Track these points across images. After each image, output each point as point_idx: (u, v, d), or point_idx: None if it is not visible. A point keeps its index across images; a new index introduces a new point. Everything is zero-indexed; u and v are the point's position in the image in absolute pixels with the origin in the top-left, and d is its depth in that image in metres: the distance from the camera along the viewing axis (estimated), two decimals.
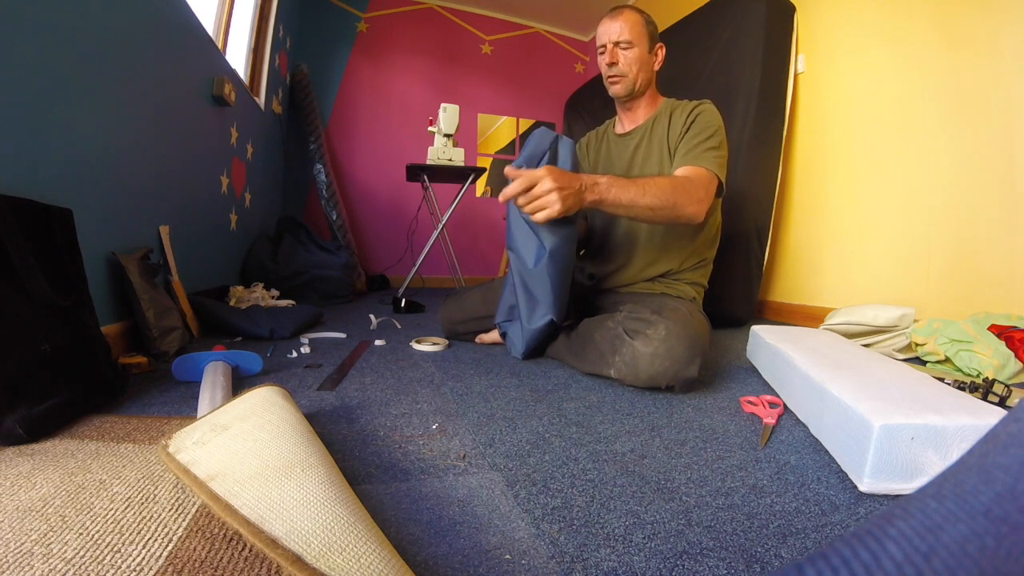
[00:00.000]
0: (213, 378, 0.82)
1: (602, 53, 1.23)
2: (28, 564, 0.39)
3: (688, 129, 1.16)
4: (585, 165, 1.44)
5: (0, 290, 0.67)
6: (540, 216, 0.92)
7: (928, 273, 1.58)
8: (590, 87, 3.33)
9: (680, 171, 1.10)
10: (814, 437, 0.73)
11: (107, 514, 0.46)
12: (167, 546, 0.42)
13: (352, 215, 3.32)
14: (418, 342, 1.32)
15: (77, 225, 0.88)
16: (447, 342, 1.34)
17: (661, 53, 1.26)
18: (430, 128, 2.58)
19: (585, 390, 0.96)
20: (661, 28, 2.69)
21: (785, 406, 0.86)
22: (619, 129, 1.34)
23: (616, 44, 1.21)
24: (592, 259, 1.34)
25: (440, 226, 2.62)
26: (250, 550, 0.41)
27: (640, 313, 1.01)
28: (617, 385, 1.00)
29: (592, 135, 1.46)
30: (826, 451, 0.68)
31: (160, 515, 0.46)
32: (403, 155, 3.27)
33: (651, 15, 1.25)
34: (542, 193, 0.90)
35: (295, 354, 1.18)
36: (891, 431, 0.55)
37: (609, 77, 1.24)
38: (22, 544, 0.41)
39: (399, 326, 1.67)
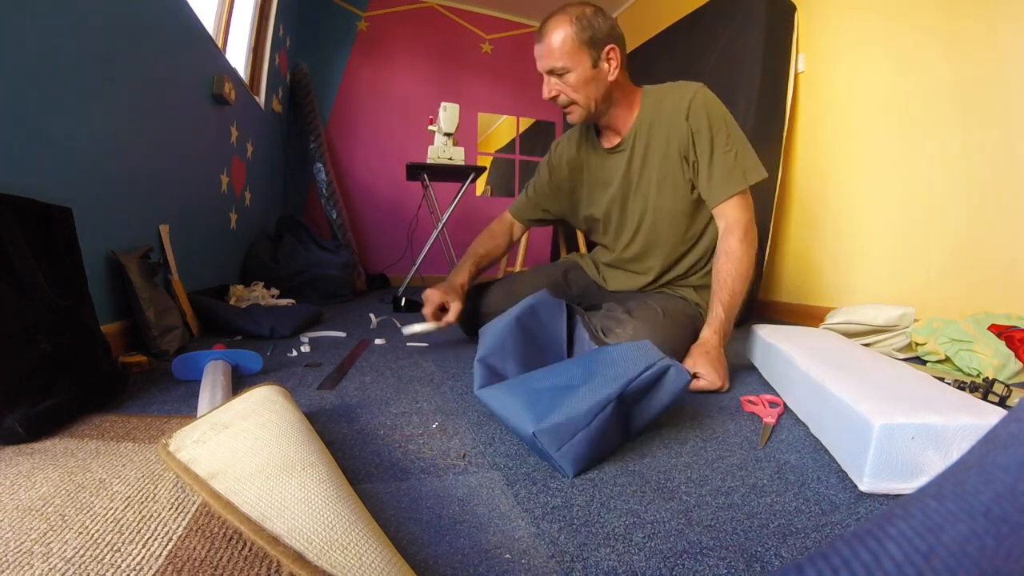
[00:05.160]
0: (213, 377, 0.82)
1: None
2: (28, 563, 0.39)
3: (700, 139, 1.08)
4: (562, 176, 1.30)
5: (0, 289, 0.67)
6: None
7: (928, 273, 1.58)
8: None
9: (718, 210, 1.09)
10: (814, 437, 0.73)
11: (107, 513, 0.46)
12: (167, 545, 0.42)
13: (352, 214, 3.32)
14: (407, 327, 1.25)
15: (77, 224, 0.88)
16: (437, 324, 1.24)
17: (615, 56, 1.06)
18: (430, 127, 2.58)
19: None
20: (661, 28, 2.71)
21: (785, 405, 0.86)
22: (605, 143, 1.21)
23: (550, 73, 1.06)
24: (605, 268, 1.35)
25: (440, 225, 2.62)
26: (250, 549, 0.41)
27: (614, 312, 1.07)
28: None
29: (566, 145, 1.29)
30: (826, 451, 0.68)
31: (160, 514, 0.46)
32: (403, 154, 3.27)
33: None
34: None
35: (295, 353, 1.18)
36: (891, 431, 0.55)
37: (560, 107, 1.11)
38: (22, 543, 0.41)
39: (399, 325, 1.66)
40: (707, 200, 1.11)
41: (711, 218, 1.15)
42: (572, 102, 1.09)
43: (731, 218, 1.07)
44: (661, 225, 1.18)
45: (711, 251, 1.22)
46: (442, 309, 1.24)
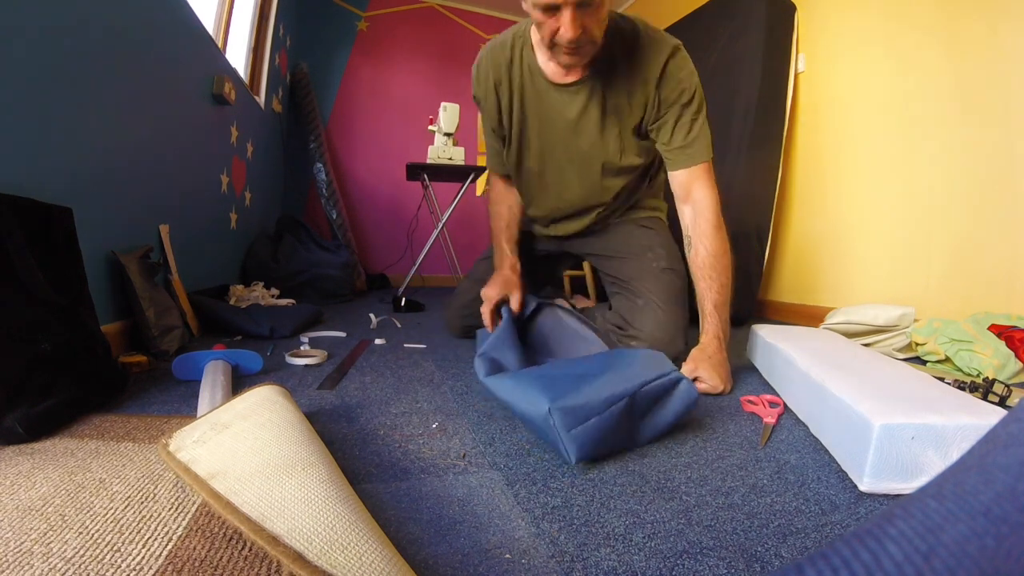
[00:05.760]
0: (213, 377, 0.82)
1: (550, 12, 0.85)
2: (28, 563, 0.39)
3: (667, 108, 1.01)
4: (491, 107, 1.10)
5: (0, 289, 0.67)
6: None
7: (928, 273, 1.58)
8: None
9: (683, 177, 1.04)
10: (814, 437, 0.73)
11: (107, 513, 0.46)
12: (167, 545, 0.42)
13: (352, 214, 3.32)
14: (294, 355, 1.09)
15: (77, 224, 0.88)
16: (325, 354, 1.12)
17: None
18: (430, 127, 2.58)
19: None
20: (661, 28, 2.71)
21: (785, 405, 0.86)
22: (555, 76, 1.03)
23: (577, 5, 0.84)
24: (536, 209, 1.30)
25: (440, 225, 2.62)
26: (250, 549, 0.41)
27: (627, 329, 1.11)
28: None
29: (490, 67, 1.07)
30: (826, 451, 0.68)
31: (160, 514, 0.46)
32: (403, 154, 3.27)
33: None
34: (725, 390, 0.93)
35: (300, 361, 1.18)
36: (891, 431, 0.55)
37: (567, 48, 0.89)
38: (22, 543, 0.41)
39: (399, 325, 1.67)
40: (670, 161, 1.04)
41: (654, 152, 1.11)
42: (591, 41, 0.89)
43: (699, 197, 1.03)
44: (605, 177, 1.13)
45: (655, 170, 1.22)
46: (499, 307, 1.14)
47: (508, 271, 1.18)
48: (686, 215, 1.06)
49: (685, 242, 1.08)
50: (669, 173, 1.08)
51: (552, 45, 0.91)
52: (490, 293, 1.11)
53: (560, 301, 1.17)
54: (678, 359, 1.01)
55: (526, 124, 1.11)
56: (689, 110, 1.02)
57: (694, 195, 1.04)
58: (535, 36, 0.99)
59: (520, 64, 1.05)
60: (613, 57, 1.00)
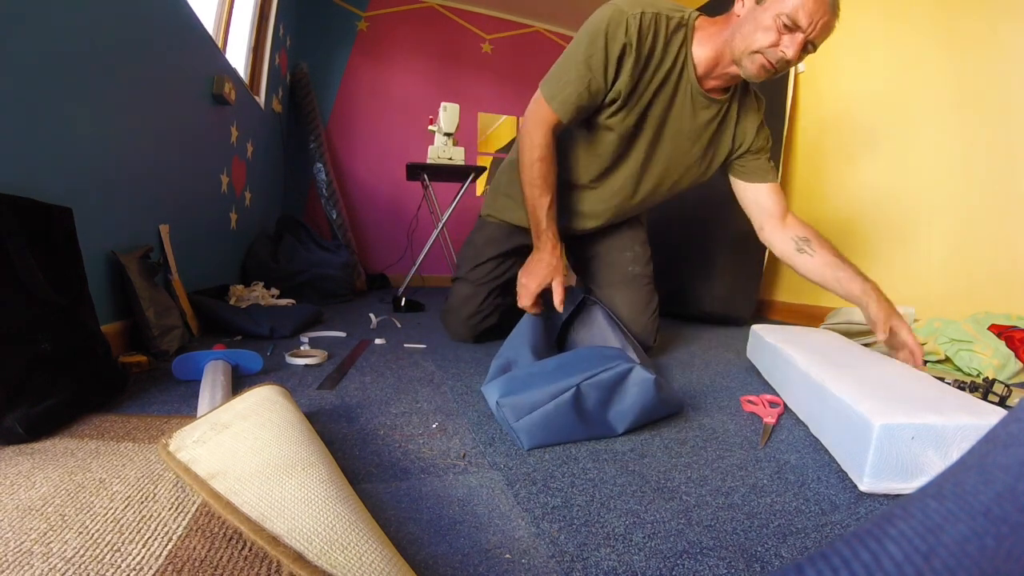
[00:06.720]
0: (213, 377, 0.82)
1: (788, 29, 0.88)
2: (28, 563, 0.39)
3: (760, 151, 1.13)
4: (633, 62, 0.96)
5: (0, 289, 0.67)
6: None
7: (928, 273, 1.58)
8: None
9: (766, 192, 1.13)
10: (814, 437, 0.73)
11: (107, 513, 0.46)
12: (167, 545, 0.42)
13: (352, 214, 3.32)
14: (294, 355, 1.08)
15: (77, 224, 0.88)
16: (325, 354, 1.11)
17: None
18: (430, 127, 2.58)
19: None
20: None
21: (785, 405, 0.86)
22: (705, 80, 1.01)
23: (810, 43, 0.91)
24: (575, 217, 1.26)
25: (440, 225, 2.62)
26: (250, 549, 0.41)
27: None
28: None
29: (662, 33, 0.96)
30: (826, 451, 0.68)
31: (160, 514, 0.46)
32: (403, 154, 3.27)
33: None
34: None
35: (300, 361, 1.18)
36: (891, 431, 0.55)
37: (769, 64, 0.91)
38: (22, 543, 0.41)
39: (399, 325, 1.67)
40: (755, 175, 1.13)
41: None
42: (782, 70, 0.95)
43: (799, 222, 1.11)
44: (679, 191, 1.21)
45: None
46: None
47: (550, 255, 1.06)
48: (794, 226, 1.10)
49: (799, 243, 1.08)
50: (755, 185, 1.14)
51: (757, 52, 0.91)
52: (531, 286, 1.05)
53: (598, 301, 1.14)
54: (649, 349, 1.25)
55: (650, 110, 1.04)
56: (769, 154, 1.16)
57: (791, 218, 1.12)
58: (742, 38, 0.92)
59: (678, 48, 0.98)
60: (739, 92, 1.09)
